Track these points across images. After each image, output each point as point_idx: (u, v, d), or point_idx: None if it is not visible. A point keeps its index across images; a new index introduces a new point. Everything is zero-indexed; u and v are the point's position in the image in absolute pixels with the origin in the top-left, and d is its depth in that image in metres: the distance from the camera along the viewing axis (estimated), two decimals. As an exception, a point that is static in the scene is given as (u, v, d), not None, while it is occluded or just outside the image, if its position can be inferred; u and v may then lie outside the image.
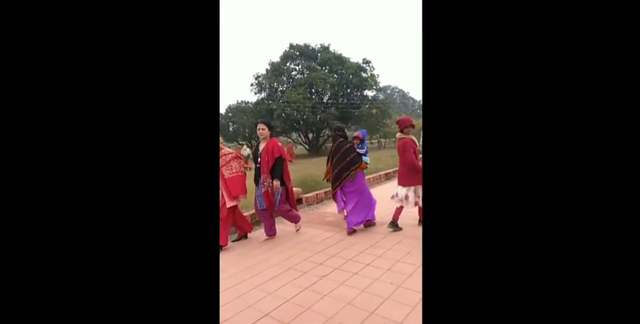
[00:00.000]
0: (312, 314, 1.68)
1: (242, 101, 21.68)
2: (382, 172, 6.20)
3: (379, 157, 9.54)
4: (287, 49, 19.45)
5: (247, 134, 20.35)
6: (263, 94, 19.65)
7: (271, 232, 3.02)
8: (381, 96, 19.92)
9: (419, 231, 2.82)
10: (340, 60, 18.80)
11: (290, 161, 13.60)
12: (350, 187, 2.93)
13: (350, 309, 1.70)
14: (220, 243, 2.78)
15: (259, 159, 2.87)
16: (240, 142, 20.73)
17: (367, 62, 18.88)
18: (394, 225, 2.87)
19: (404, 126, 2.79)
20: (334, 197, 3.09)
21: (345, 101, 19.00)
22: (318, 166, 8.24)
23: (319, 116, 17.49)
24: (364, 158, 2.96)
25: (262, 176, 2.84)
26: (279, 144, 2.93)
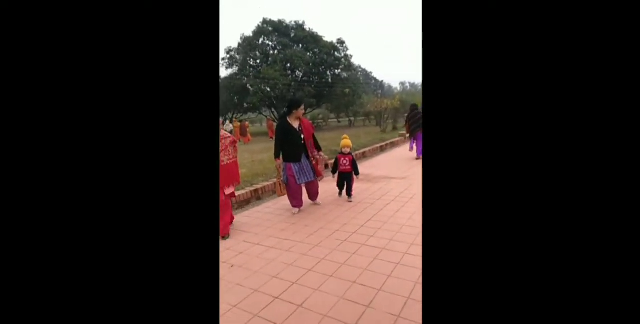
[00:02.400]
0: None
1: (210, 75, 21.24)
2: (377, 145, 7.58)
3: (357, 134, 10.59)
4: (261, 24, 19.24)
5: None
6: (234, 69, 19.47)
7: (301, 203, 3.28)
8: (346, 75, 20.83)
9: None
10: (315, 39, 19.20)
11: (271, 137, 14.12)
12: (419, 136, 5.80)
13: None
14: (224, 233, 2.67)
15: (302, 136, 3.10)
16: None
17: (341, 42, 19.53)
18: None
19: None
20: (411, 142, 6.32)
21: (318, 79, 19.70)
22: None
23: (293, 93, 18.07)
24: None
25: (309, 151, 3.17)
26: None
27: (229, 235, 2.74)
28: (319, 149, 3.31)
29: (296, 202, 3.23)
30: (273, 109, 20.69)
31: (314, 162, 3.19)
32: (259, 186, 3.94)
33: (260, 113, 21.95)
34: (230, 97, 18.82)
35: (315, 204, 3.45)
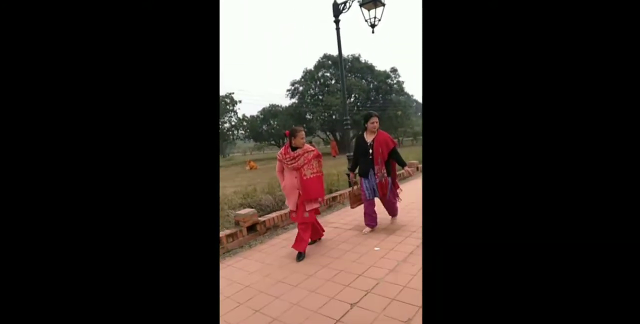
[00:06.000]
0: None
1: (272, 105, 24.14)
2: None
3: (417, 151, 10.68)
4: (321, 59, 21.75)
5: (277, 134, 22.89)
6: (295, 99, 22.01)
7: (374, 223, 3.11)
8: (394, 99, 22.06)
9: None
10: (370, 69, 21.39)
11: (334, 155, 15.69)
12: None
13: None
14: (301, 249, 2.59)
15: (370, 151, 2.94)
16: (272, 142, 23.54)
17: (394, 70, 21.30)
18: None
19: None
20: None
21: (371, 103, 21.24)
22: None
23: (350, 116, 19.83)
24: None
25: (375, 167, 2.94)
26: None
27: (304, 254, 2.61)
28: (402, 164, 3.08)
29: (368, 220, 3.10)
30: (328, 132, 22.58)
31: (378, 181, 2.97)
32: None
33: (317, 135, 24.05)
34: (291, 123, 21.24)
35: (393, 222, 3.28)
